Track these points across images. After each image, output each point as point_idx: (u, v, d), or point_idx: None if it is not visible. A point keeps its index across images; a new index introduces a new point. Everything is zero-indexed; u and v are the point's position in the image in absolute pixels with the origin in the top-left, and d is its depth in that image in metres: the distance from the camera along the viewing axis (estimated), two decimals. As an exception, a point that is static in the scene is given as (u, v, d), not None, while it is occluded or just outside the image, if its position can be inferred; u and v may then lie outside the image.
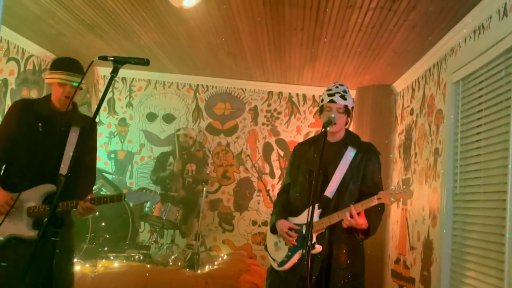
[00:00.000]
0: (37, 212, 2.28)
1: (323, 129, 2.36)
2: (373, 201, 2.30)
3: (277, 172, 5.29)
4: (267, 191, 4.99)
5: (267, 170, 5.31)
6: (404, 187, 2.31)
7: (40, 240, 1.56)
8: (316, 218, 2.43)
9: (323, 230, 2.44)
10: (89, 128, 2.42)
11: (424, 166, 3.59)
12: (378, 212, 2.39)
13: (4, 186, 2.32)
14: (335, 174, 2.48)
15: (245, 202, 5.27)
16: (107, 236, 3.99)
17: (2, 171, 2.41)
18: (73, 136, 2.45)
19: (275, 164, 5.32)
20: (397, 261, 4.05)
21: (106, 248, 3.87)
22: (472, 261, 2.69)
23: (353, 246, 2.49)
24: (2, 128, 2.44)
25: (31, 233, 2.26)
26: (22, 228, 2.26)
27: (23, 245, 2.24)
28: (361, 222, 2.29)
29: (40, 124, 2.38)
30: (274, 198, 4.98)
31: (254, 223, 5.22)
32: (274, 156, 5.34)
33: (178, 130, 5.00)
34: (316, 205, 2.44)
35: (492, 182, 2.55)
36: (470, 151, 2.86)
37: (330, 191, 2.47)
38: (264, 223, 5.20)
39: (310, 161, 2.21)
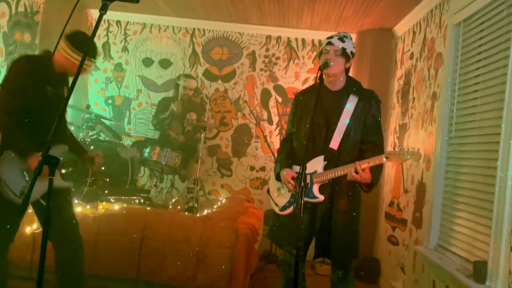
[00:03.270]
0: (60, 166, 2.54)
1: (319, 72, 2.36)
2: (381, 160, 2.33)
3: (275, 119, 5.30)
4: (265, 137, 5.02)
5: (265, 116, 5.31)
6: (413, 148, 2.32)
7: (36, 179, 1.60)
8: (321, 169, 2.49)
9: (327, 181, 2.50)
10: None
11: (421, 111, 3.59)
12: (381, 165, 2.43)
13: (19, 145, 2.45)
14: (338, 124, 2.50)
15: (243, 148, 5.32)
16: (107, 180, 4.05)
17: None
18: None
19: (273, 111, 5.31)
20: (390, 204, 4.15)
21: (106, 191, 3.95)
22: (463, 202, 2.75)
23: (352, 194, 2.57)
24: (12, 85, 2.42)
25: (65, 184, 2.59)
26: (59, 180, 2.51)
27: (59, 194, 2.45)
28: (366, 176, 2.34)
29: (48, 87, 2.49)
30: (271, 145, 5.07)
31: (252, 168, 5.30)
32: (272, 103, 5.32)
33: (179, 77, 4.88)
34: (322, 157, 2.49)
35: (486, 125, 2.56)
36: (468, 95, 2.85)
37: (334, 142, 2.50)
38: (262, 169, 5.28)
39: (312, 111, 2.21)
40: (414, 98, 3.83)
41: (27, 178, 2.45)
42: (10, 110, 2.36)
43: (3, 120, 2.38)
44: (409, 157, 2.31)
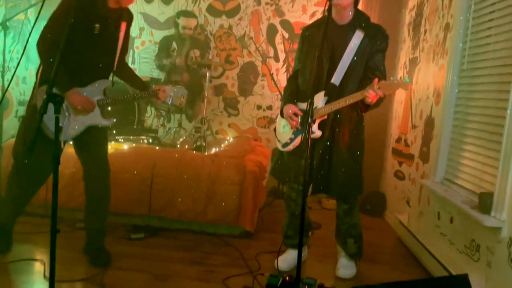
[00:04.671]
0: (106, 103, 2.61)
1: (327, 3, 2.26)
2: (373, 89, 2.28)
3: (282, 56, 5.17)
4: (271, 75, 4.92)
5: (271, 53, 5.18)
6: (402, 77, 2.29)
7: (42, 116, 1.60)
8: (321, 104, 2.47)
9: (326, 117, 2.49)
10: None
11: (433, 43, 3.47)
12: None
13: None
14: (341, 60, 2.46)
15: (250, 87, 5.25)
16: (114, 120, 4.05)
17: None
18: (122, 34, 2.62)
19: (280, 47, 5.17)
20: (398, 139, 4.15)
21: (114, 131, 3.97)
22: (472, 135, 2.73)
23: (356, 133, 2.55)
24: (57, 17, 2.39)
25: (105, 122, 2.64)
26: (98, 118, 2.59)
27: (96, 131, 2.64)
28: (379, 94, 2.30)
29: (97, 25, 2.44)
30: (278, 83, 4.98)
31: (259, 107, 5.27)
32: (278, 39, 5.16)
33: (178, 15, 4.71)
34: (323, 92, 2.46)
35: (499, 56, 2.47)
36: (482, 24, 2.72)
37: (336, 78, 2.47)
38: (269, 107, 5.24)
39: (318, 46, 2.15)
40: (426, 30, 3.68)
41: (66, 114, 2.49)
42: (50, 40, 2.35)
43: (43, 50, 2.39)
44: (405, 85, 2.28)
